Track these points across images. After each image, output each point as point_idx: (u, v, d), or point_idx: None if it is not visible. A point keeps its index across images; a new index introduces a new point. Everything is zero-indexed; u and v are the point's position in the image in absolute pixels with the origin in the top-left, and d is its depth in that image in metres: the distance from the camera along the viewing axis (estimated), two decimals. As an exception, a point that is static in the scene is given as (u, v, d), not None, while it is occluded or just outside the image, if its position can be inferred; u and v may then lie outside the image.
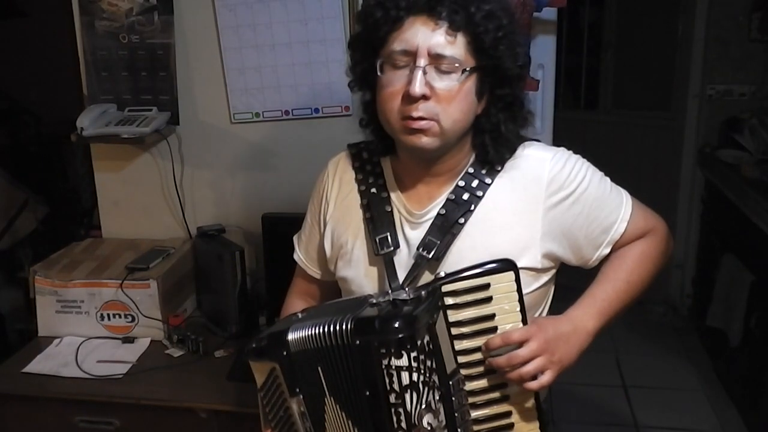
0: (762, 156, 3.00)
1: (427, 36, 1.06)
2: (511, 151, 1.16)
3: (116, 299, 1.81)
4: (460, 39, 1.06)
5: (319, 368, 1.07)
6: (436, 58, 1.06)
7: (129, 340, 1.83)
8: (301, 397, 1.11)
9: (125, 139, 1.89)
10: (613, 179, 1.21)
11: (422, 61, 1.06)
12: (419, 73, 1.05)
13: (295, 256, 1.40)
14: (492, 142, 1.14)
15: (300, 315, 1.15)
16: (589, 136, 3.95)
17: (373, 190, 1.22)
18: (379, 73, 1.10)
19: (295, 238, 1.41)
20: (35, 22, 3.59)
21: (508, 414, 1.08)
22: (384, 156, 1.24)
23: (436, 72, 1.06)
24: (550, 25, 1.88)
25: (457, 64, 1.06)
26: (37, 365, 1.73)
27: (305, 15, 1.88)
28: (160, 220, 2.11)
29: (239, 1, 1.89)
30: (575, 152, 1.19)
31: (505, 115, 1.14)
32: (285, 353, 1.10)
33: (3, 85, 3.51)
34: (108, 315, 1.83)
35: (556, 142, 1.99)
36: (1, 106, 3.52)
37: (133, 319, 1.83)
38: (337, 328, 1.02)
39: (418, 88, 1.05)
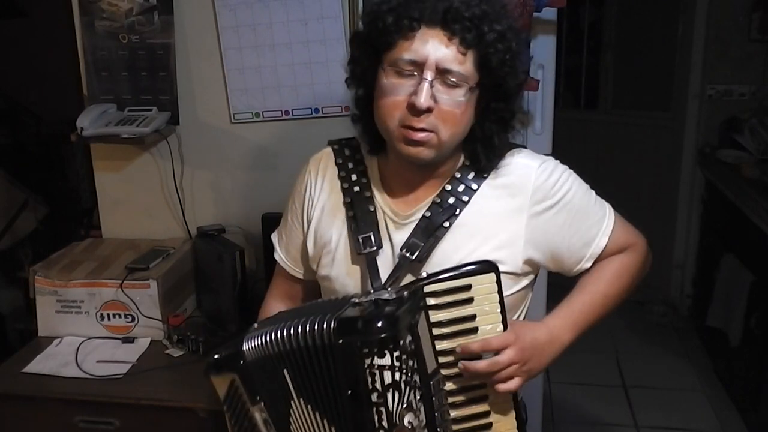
0: (762, 156, 3.00)
1: (438, 49, 1.05)
2: (501, 157, 1.17)
3: (116, 299, 1.81)
4: (470, 56, 1.06)
5: (285, 371, 1.07)
6: (443, 72, 1.05)
7: (129, 340, 1.83)
8: (263, 404, 1.12)
9: (125, 139, 1.89)
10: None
11: (429, 74, 1.05)
12: (426, 86, 1.04)
13: (276, 256, 1.37)
14: (484, 150, 1.14)
15: (255, 325, 1.17)
16: (589, 136, 3.95)
17: (356, 188, 1.21)
18: (384, 80, 1.09)
19: (274, 236, 1.39)
20: (35, 22, 3.59)
21: (486, 414, 1.09)
22: (372, 156, 1.23)
23: (441, 85, 1.06)
24: (550, 25, 1.88)
25: (463, 81, 1.06)
26: (37, 365, 1.73)
27: (305, 15, 1.88)
28: (160, 220, 2.11)
29: (239, 1, 1.89)
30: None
31: (498, 126, 1.14)
32: (242, 362, 1.12)
33: (3, 85, 3.51)
34: (108, 315, 1.83)
35: (556, 142, 2.00)
36: (1, 106, 3.52)
37: (133, 319, 1.83)
38: (316, 327, 1.02)
39: (424, 100, 1.04)
